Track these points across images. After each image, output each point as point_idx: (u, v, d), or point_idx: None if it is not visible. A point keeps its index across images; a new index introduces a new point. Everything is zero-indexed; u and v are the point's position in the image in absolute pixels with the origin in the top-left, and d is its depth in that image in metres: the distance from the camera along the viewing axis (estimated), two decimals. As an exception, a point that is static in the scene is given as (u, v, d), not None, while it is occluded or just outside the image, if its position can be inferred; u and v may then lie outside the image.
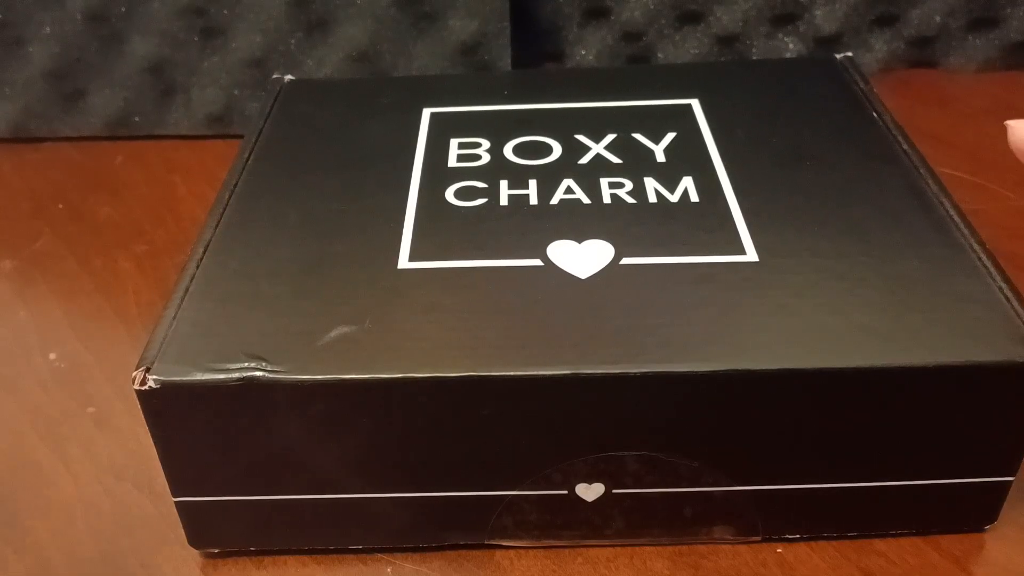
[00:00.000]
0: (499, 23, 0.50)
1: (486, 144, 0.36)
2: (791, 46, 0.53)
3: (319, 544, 0.30)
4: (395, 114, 0.39)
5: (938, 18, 0.53)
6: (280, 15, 0.50)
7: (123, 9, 0.50)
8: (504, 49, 0.50)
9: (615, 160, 0.35)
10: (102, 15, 0.50)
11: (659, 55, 0.54)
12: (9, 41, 0.50)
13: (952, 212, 0.31)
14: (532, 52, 0.53)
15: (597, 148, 0.36)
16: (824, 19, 0.52)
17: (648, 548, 0.30)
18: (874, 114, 0.37)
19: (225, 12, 0.50)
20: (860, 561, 0.29)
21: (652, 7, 0.52)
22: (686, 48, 0.53)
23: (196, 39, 0.51)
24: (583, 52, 0.54)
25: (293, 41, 0.51)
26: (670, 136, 0.36)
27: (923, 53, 0.54)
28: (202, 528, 0.30)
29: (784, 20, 0.53)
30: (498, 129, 0.37)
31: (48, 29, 0.50)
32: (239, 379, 0.26)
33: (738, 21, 0.52)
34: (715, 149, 0.35)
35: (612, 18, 0.53)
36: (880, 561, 0.29)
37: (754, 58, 0.53)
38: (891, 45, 0.54)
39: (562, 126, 0.37)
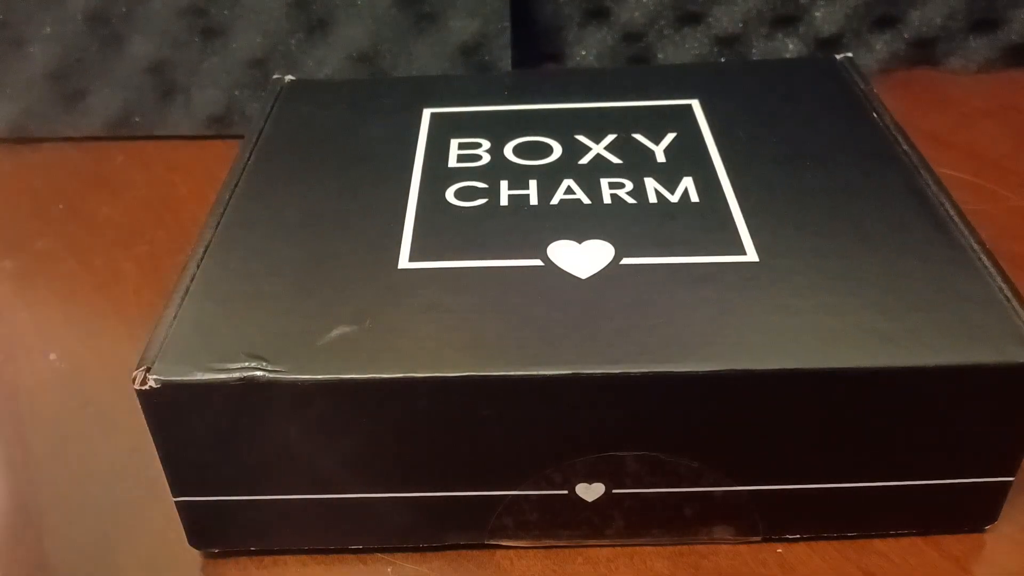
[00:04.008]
0: (499, 23, 0.50)
1: (486, 144, 0.36)
2: (791, 47, 0.53)
3: (319, 544, 0.30)
4: (395, 114, 0.39)
5: (939, 19, 0.53)
6: (280, 15, 0.50)
7: (123, 9, 0.50)
8: (504, 49, 0.50)
9: (615, 160, 0.35)
10: (102, 15, 0.50)
11: (659, 55, 0.54)
12: (9, 41, 0.50)
13: (952, 212, 0.31)
14: (532, 52, 0.53)
15: (597, 148, 0.36)
16: (824, 20, 0.52)
17: (648, 548, 0.30)
18: (874, 115, 0.37)
19: (225, 12, 0.50)
20: (860, 561, 0.29)
21: (652, 7, 0.52)
22: (686, 49, 0.53)
23: (196, 39, 0.51)
24: (583, 52, 0.54)
25: (293, 41, 0.51)
26: (670, 136, 0.36)
27: (924, 54, 0.54)
28: (202, 528, 0.30)
29: (784, 21, 0.53)
30: (498, 129, 0.37)
31: (48, 29, 0.50)
32: (239, 379, 0.26)
33: (738, 22, 0.52)
34: (715, 149, 0.35)
35: (612, 18, 0.53)
36: (880, 561, 0.29)
37: (754, 59, 0.53)
38: (891, 46, 0.54)
39: (562, 126, 0.37)
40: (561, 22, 0.53)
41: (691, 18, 0.53)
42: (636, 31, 0.53)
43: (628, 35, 0.53)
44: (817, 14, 0.52)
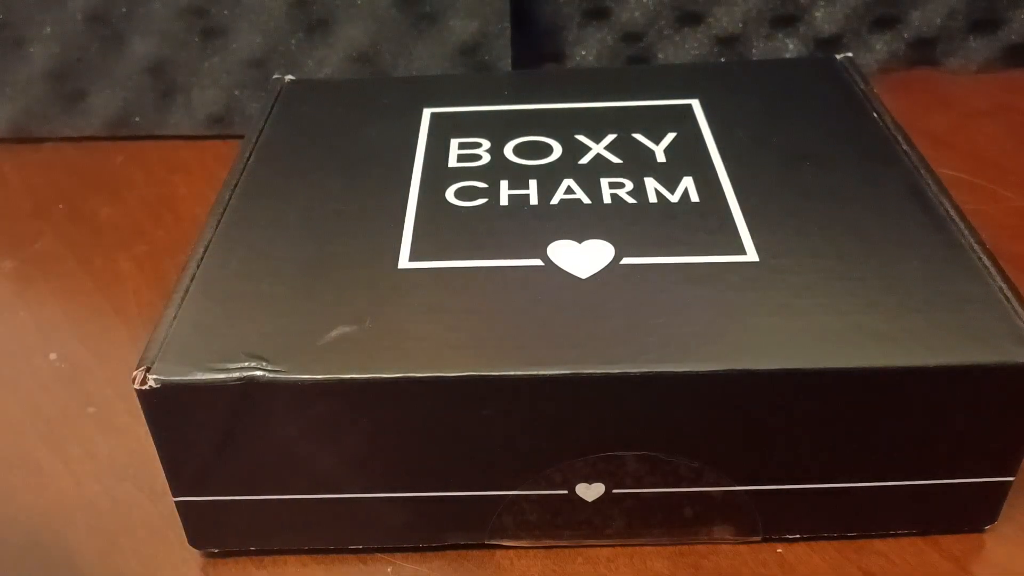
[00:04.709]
0: (499, 23, 0.50)
1: (486, 144, 0.36)
2: (791, 47, 0.53)
3: (319, 544, 0.30)
4: (395, 114, 0.39)
5: (938, 19, 0.53)
6: (280, 15, 0.50)
7: (123, 9, 0.50)
8: (504, 49, 0.50)
9: (615, 160, 0.35)
10: (102, 15, 0.50)
11: (659, 56, 0.54)
12: (9, 41, 0.50)
13: (952, 212, 0.31)
14: (532, 52, 0.53)
15: (597, 148, 0.36)
16: (824, 20, 0.52)
17: (648, 548, 0.30)
18: (874, 115, 0.37)
19: (225, 12, 0.50)
20: (860, 561, 0.29)
21: (652, 8, 0.52)
22: (686, 49, 0.53)
23: (196, 39, 0.51)
24: (583, 52, 0.54)
25: (293, 41, 0.51)
26: (670, 136, 0.36)
27: (923, 54, 0.54)
28: (202, 528, 0.30)
29: (784, 21, 0.53)
30: (498, 129, 0.37)
31: (48, 29, 0.50)
32: (239, 379, 0.26)
33: (738, 22, 0.52)
34: (715, 149, 0.35)
35: (612, 19, 0.53)
36: (880, 561, 0.29)
37: (754, 59, 0.53)
38: (891, 46, 0.54)
39: (562, 126, 0.37)
40: (561, 22, 0.53)
41: (691, 18, 0.53)
42: (636, 31, 0.53)
43: (628, 35, 0.53)
44: (817, 14, 0.52)
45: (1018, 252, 0.31)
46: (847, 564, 0.29)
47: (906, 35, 0.53)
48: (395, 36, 0.50)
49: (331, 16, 0.50)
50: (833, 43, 0.53)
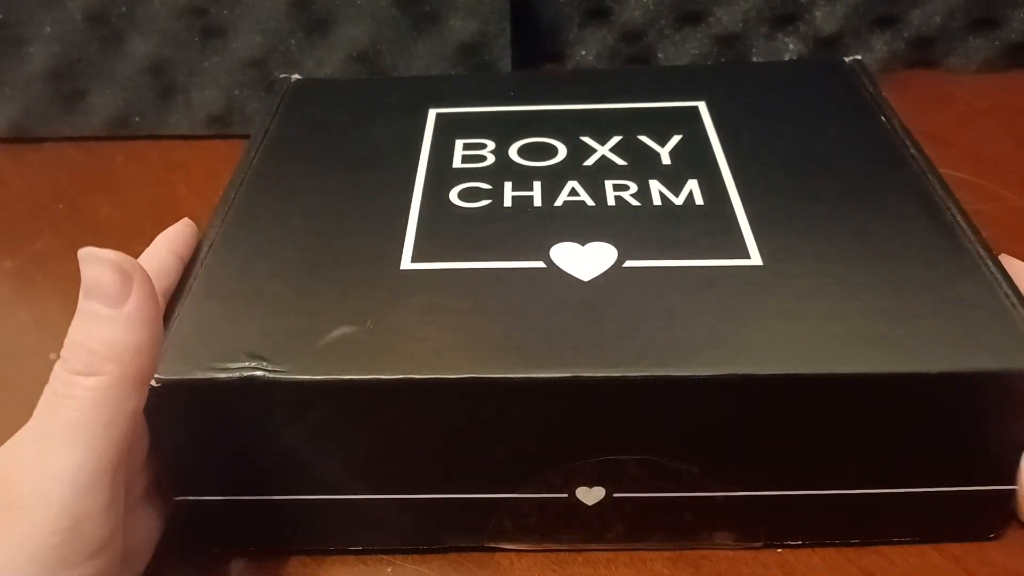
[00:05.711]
0: (499, 23, 0.50)
1: (491, 145, 0.36)
2: (791, 47, 0.53)
3: (319, 544, 0.30)
4: (401, 114, 0.38)
5: (938, 18, 0.53)
6: (280, 15, 0.50)
7: (123, 9, 0.50)
8: (504, 49, 0.50)
9: (620, 162, 0.35)
10: (102, 15, 0.50)
11: (659, 55, 0.54)
12: (9, 41, 0.50)
13: (959, 217, 0.31)
14: (532, 52, 0.53)
15: (602, 150, 0.36)
16: (824, 19, 0.52)
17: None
18: (883, 118, 0.36)
19: (225, 12, 0.50)
20: (860, 561, 0.29)
21: (652, 7, 0.52)
22: (686, 48, 0.53)
23: (196, 39, 0.50)
24: (583, 52, 0.54)
25: (293, 41, 0.50)
26: (676, 138, 0.36)
27: (923, 54, 0.54)
28: (202, 528, 0.30)
29: (784, 20, 0.52)
30: (503, 130, 0.37)
31: (48, 29, 0.50)
32: (240, 378, 0.26)
33: (738, 21, 0.52)
34: (721, 152, 0.35)
35: (612, 18, 0.53)
36: (880, 560, 0.29)
37: (755, 59, 0.53)
38: (891, 46, 0.54)
39: (568, 127, 0.37)
40: (561, 22, 0.53)
41: (691, 18, 0.52)
42: (636, 31, 0.53)
43: (628, 35, 0.53)
44: (817, 13, 0.52)
45: (1018, 252, 0.30)
46: (847, 564, 0.29)
47: (906, 34, 0.53)
48: (395, 36, 0.50)
49: (331, 16, 0.50)
50: (833, 43, 0.53)
